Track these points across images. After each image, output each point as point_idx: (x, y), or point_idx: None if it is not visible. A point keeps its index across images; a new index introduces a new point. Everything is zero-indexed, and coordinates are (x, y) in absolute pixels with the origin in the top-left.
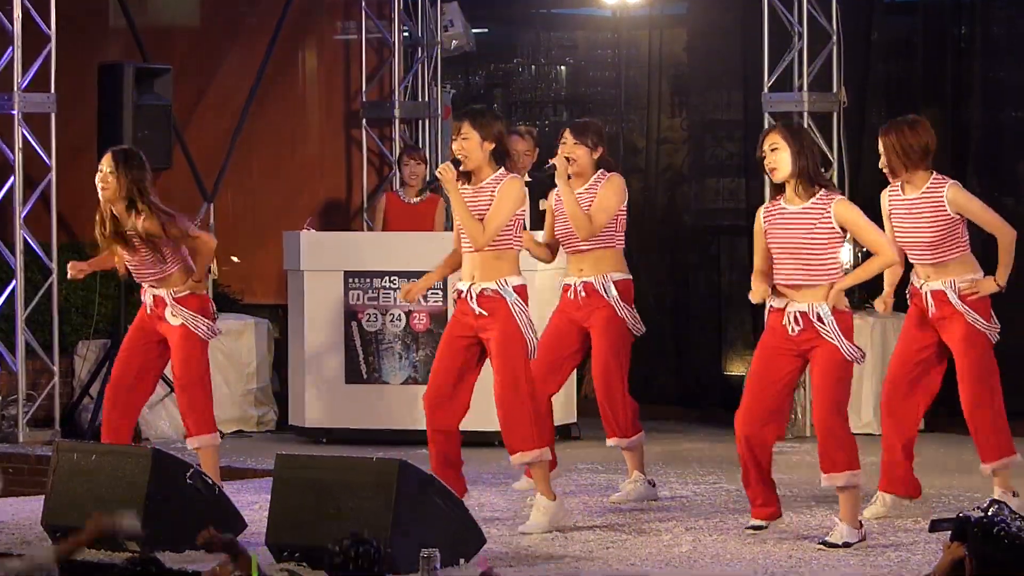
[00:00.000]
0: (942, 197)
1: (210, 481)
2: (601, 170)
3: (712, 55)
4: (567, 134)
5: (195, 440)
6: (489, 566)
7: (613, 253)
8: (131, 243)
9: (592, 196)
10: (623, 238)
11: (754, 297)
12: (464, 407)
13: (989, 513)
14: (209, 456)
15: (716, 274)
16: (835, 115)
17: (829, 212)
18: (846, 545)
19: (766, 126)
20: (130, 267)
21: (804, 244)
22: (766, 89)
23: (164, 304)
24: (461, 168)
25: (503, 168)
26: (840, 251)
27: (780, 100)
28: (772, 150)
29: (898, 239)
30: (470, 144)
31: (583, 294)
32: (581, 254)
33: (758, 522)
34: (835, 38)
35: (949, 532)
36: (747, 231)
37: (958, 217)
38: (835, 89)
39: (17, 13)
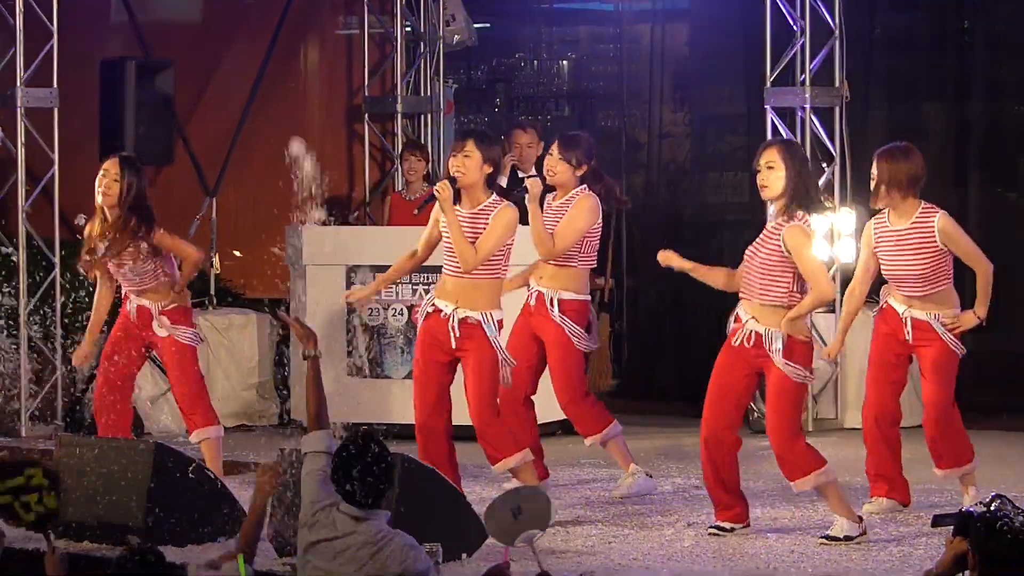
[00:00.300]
0: (932, 227)
1: (212, 475)
2: (583, 186)
3: (714, 49)
4: (555, 146)
5: (198, 433)
6: (507, 560)
7: (573, 273)
8: (121, 253)
9: (565, 212)
10: (590, 259)
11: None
12: (448, 409)
13: (992, 508)
14: (212, 448)
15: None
16: (837, 110)
17: (779, 235)
18: (847, 539)
19: (768, 122)
20: (117, 276)
21: (762, 259)
22: (768, 83)
23: (149, 316)
24: (456, 185)
25: (495, 195)
26: (790, 275)
27: (782, 94)
28: (768, 167)
29: (885, 271)
30: (472, 163)
31: (532, 303)
32: (544, 264)
33: (721, 523)
34: (837, 32)
35: (951, 527)
36: (749, 225)
37: (945, 249)
38: (837, 83)
39: (20, 8)
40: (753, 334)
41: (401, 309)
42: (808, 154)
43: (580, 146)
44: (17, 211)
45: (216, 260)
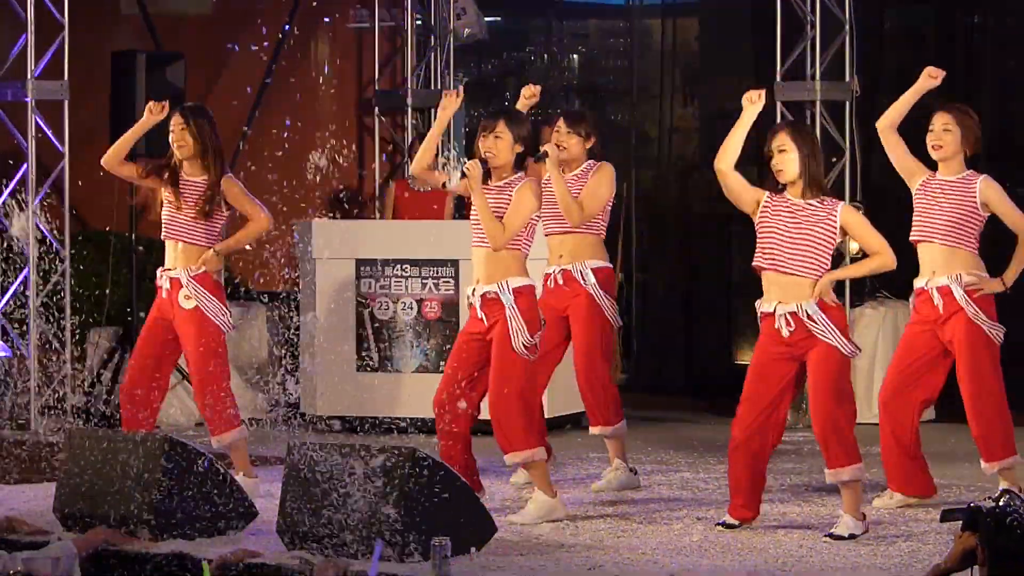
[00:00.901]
0: (975, 186)
1: (222, 469)
2: (591, 160)
3: (724, 44)
4: (561, 123)
5: (219, 440)
6: None
7: (595, 240)
8: (181, 196)
9: (582, 184)
10: (604, 228)
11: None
12: (473, 410)
13: (1001, 503)
14: (238, 448)
15: (727, 263)
16: (847, 104)
17: (835, 213)
18: (852, 537)
19: (778, 116)
20: (166, 218)
21: (802, 234)
22: (779, 78)
23: (179, 287)
24: (487, 167)
25: (521, 172)
26: (830, 254)
27: (793, 89)
28: (780, 151)
29: (917, 221)
30: (503, 144)
31: (560, 281)
32: (562, 238)
33: (732, 520)
34: (848, 27)
35: (960, 522)
36: None
37: (982, 212)
38: (847, 78)
39: (31, 1)
40: (788, 317)
41: (411, 303)
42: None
43: (586, 119)
44: (28, 204)
45: None
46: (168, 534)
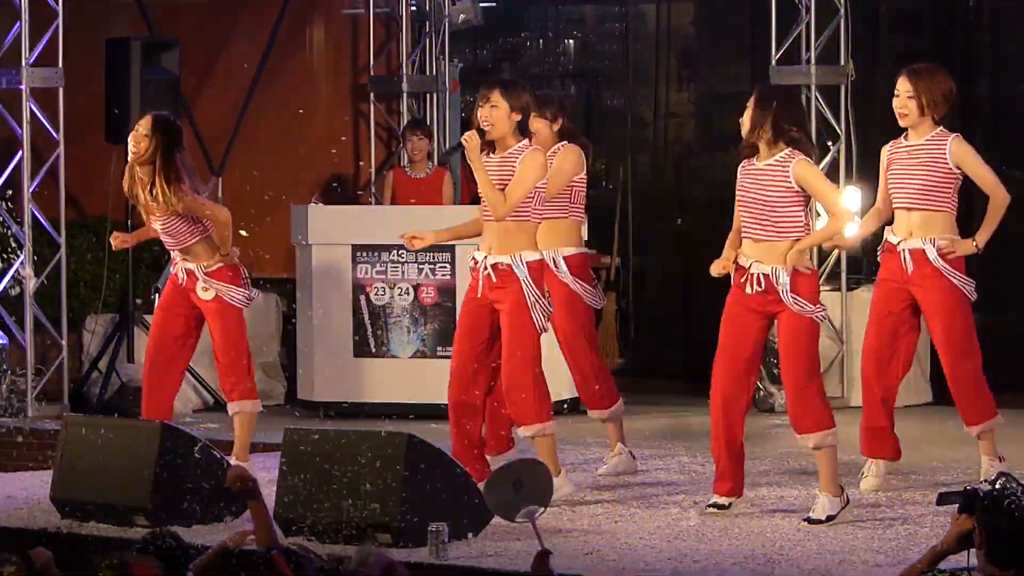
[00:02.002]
0: (945, 147)
1: (219, 455)
2: (563, 142)
3: (720, 28)
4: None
5: (236, 405)
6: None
7: (568, 226)
8: (150, 208)
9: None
10: (581, 211)
11: (714, 270)
12: (487, 380)
13: (998, 486)
14: (245, 423)
15: (722, 247)
16: (843, 88)
17: (783, 171)
18: (829, 519)
19: None
20: (159, 235)
21: (765, 200)
22: (774, 62)
23: (196, 279)
24: (486, 137)
25: (526, 140)
26: (800, 211)
27: (788, 73)
28: (745, 109)
29: (891, 185)
30: (498, 113)
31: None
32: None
33: (719, 500)
34: (843, 11)
35: (957, 505)
36: None
37: (956, 172)
38: (843, 62)
39: None
40: (761, 276)
41: (407, 288)
42: (813, 133)
43: (552, 102)
44: (23, 191)
45: None
46: (165, 520)
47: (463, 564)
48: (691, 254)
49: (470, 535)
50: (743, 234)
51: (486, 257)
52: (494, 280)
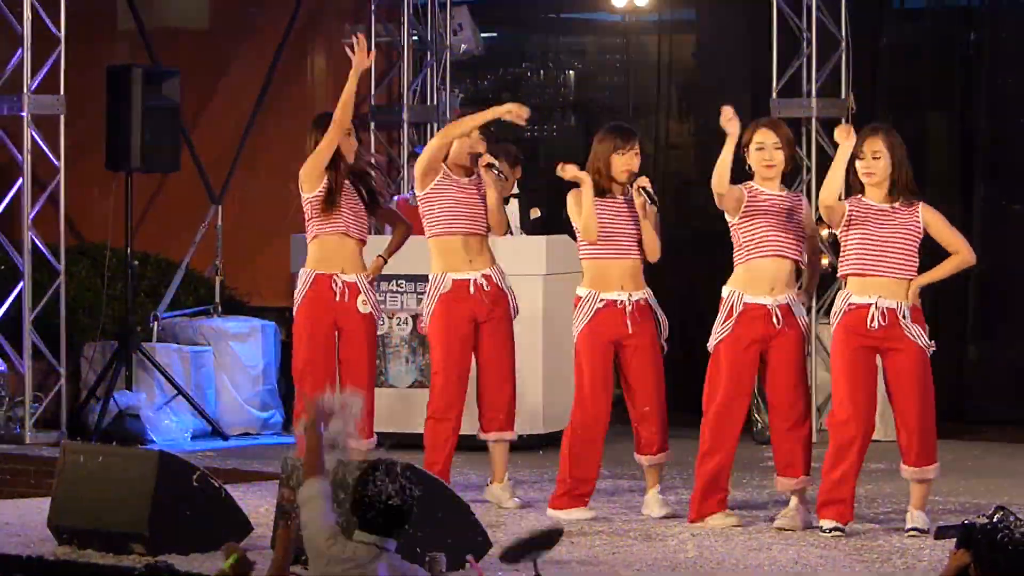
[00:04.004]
0: (917, 213)
1: (216, 484)
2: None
3: (721, 61)
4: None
5: (365, 443)
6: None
7: None
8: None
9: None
10: None
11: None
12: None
13: (994, 520)
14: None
15: (724, 279)
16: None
17: (911, 213)
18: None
19: None
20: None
21: (904, 239)
22: (775, 95)
23: (358, 292)
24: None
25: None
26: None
27: (789, 106)
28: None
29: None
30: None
31: (486, 288)
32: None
33: (838, 524)
34: (844, 44)
35: (955, 539)
36: None
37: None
38: (844, 95)
39: (27, 15)
40: (886, 311)
41: (406, 318)
42: (814, 166)
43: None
44: (23, 218)
45: (221, 268)
46: (163, 549)
47: None
48: (691, 285)
49: (467, 566)
50: (873, 272)
51: (629, 297)
52: (633, 316)
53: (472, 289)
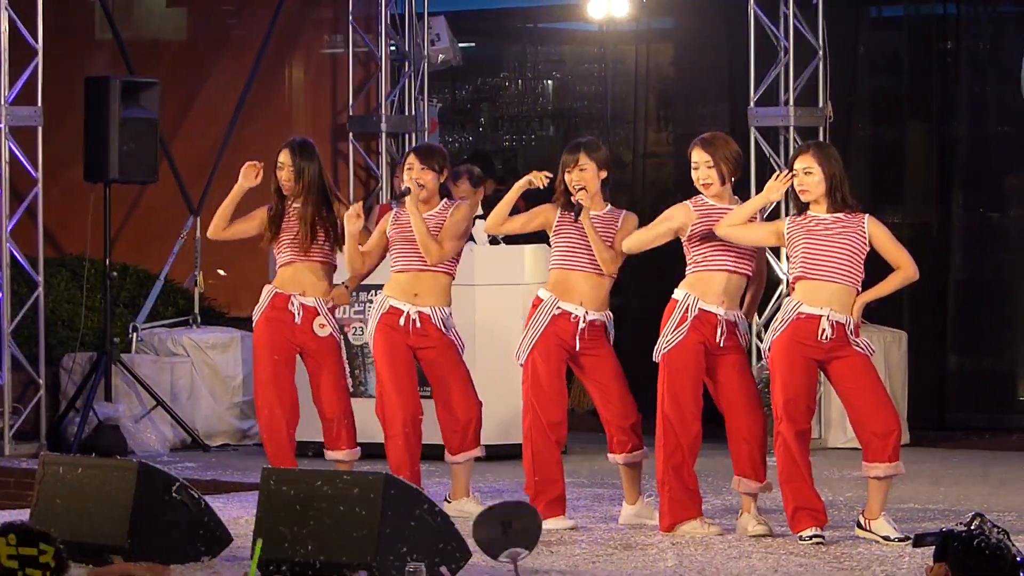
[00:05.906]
0: (863, 224)
1: (196, 495)
2: (446, 198)
3: (698, 69)
4: (412, 158)
5: (345, 453)
6: None
7: (448, 281)
8: (315, 231)
9: (441, 221)
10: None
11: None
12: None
13: (971, 526)
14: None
15: None
16: (821, 130)
17: (856, 224)
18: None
19: (752, 140)
20: (291, 248)
21: (850, 248)
22: (752, 103)
23: (315, 314)
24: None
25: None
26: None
27: (766, 115)
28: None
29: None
30: (589, 174)
31: (419, 324)
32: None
33: (817, 531)
34: (821, 53)
35: (933, 547)
36: None
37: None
38: (821, 104)
39: (4, 26)
40: (835, 324)
41: None
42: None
43: (438, 154)
44: (1, 230)
45: (200, 279)
46: (142, 560)
47: None
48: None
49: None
50: (818, 277)
51: (584, 314)
52: (585, 335)
53: (403, 321)
